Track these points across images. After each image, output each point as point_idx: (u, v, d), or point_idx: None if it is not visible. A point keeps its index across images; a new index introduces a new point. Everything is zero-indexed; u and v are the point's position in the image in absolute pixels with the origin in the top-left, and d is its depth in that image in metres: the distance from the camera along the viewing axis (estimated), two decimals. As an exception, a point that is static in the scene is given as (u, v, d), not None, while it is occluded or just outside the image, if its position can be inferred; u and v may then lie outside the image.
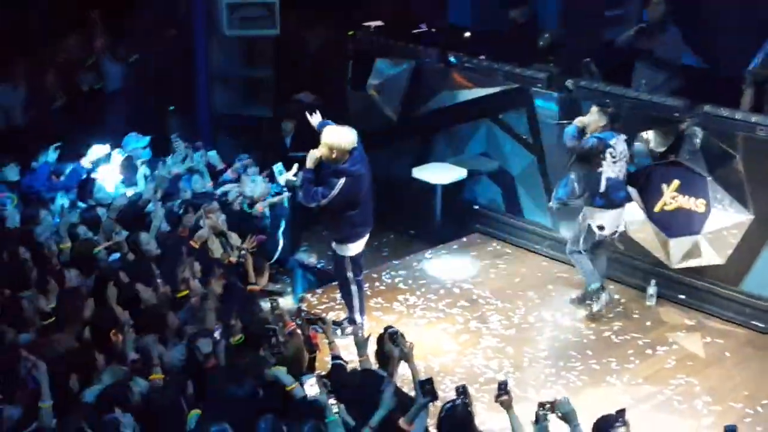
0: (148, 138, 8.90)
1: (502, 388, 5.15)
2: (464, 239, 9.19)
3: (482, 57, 9.33)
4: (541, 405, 5.00)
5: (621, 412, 4.87)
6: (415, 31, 10.52)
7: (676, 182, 7.75)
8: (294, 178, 8.01)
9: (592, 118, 7.58)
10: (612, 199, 7.52)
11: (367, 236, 7.26)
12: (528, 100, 8.71)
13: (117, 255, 6.90)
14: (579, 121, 7.61)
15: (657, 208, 7.90)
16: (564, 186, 7.83)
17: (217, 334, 5.51)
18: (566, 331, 7.59)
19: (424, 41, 9.83)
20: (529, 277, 8.45)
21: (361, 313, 7.33)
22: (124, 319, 5.70)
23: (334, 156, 6.91)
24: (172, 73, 10.13)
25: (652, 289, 7.93)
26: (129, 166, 8.48)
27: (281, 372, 5.25)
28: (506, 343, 7.40)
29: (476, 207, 9.39)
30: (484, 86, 9.01)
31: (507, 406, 5.14)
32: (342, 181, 6.88)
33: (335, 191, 6.87)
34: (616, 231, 7.65)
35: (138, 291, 6.25)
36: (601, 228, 7.57)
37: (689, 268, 7.87)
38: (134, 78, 10.09)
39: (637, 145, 7.90)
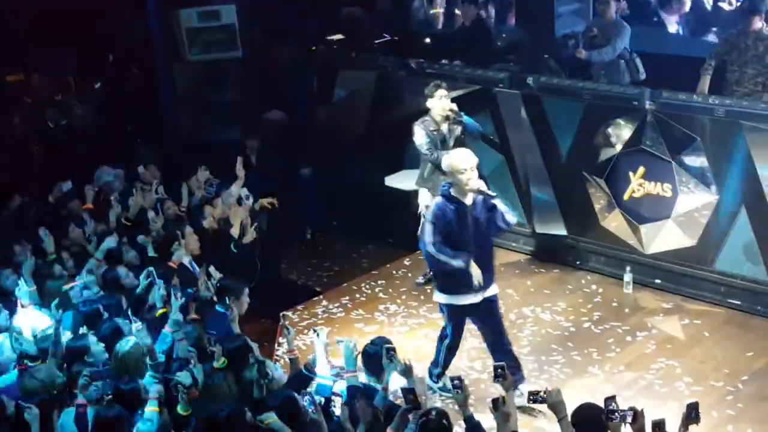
0: (119, 170, 8.92)
1: (500, 371, 5.18)
2: (441, 243, 9.24)
3: (443, 61, 9.44)
4: (532, 394, 5.05)
5: (611, 400, 4.78)
6: (377, 41, 10.64)
7: (641, 169, 7.87)
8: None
9: (443, 104, 7.73)
10: None
11: None
12: (491, 101, 8.80)
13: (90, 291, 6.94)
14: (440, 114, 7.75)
15: (626, 196, 8.02)
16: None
17: (192, 360, 5.53)
18: (547, 326, 7.67)
19: (386, 50, 9.94)
20: (507, 275, 8.48)
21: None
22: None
23: None
24: (138, 103, 10.17)
25: (627, 277, 8.03)
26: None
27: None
28: (489, 343, 7.45)
29: (450, 210, 9.45)
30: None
31: (507, 387, 5.18)
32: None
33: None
34: None
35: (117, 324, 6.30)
36: (427, 207, 7.64)
37: (662, 252, 7.97)
38: (100, 111, 10.13)
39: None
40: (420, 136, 7.85)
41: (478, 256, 6.29)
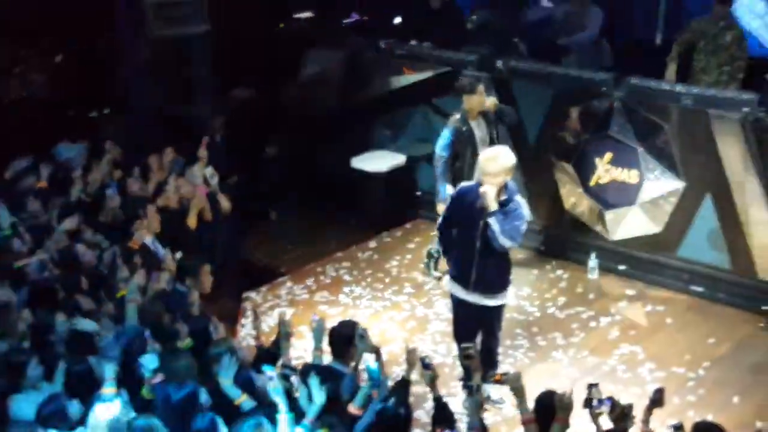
0: (80, 146, 8.75)
1: (468, 353, 5.16)
2: (407, 226, 9.23)
3: (413, 42, 9.37)
4: (492, 376, 5.06)
5: (593, 386, 4.81)
6: (346, 21, 10.53)
7: (608, 155, 7.88)
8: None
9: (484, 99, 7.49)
10: None
11: None
12: (460, 83, 8.74)
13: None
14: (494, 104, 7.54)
15: (592, 182, 8.02)
16: None
17: (147, 338, 5.42)
18: (511, 310, 7.61)
19: (356, 30, 9.84)
20: (473, 259, 8.50)
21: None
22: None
23: (505, 179, 5.88)
24: (103, 77, 9.98)
25: (593, 262, 8.04)
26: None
27: (229, 385, 5.18)
28: (453, 327, 7.43)
29: (418, 193, 9.42)
30: (417, 71, 9.03)
31: (474, 369, 5.16)
32: (521, 199, 6.01)
33: (526, 210, 6.01)
34: None
35: (78, 302, 6.19)
36: None
37: (627, 238, 8.00)
38: (62, 84, 9.92)
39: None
40: (440, 145, 7.46)
41: (482, 257, 5.90)
